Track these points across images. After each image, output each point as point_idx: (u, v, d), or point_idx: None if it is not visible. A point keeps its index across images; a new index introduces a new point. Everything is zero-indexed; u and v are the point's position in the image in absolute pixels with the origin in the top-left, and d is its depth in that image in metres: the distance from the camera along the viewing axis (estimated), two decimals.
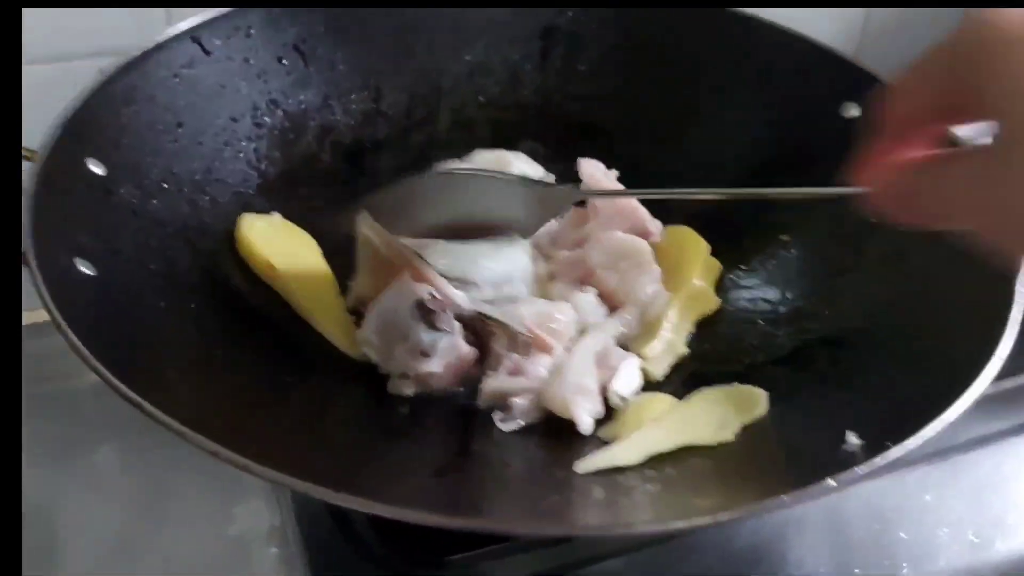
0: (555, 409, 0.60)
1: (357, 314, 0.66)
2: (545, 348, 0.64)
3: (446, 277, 0.66)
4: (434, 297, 0.61)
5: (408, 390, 0.62)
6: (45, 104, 0.60)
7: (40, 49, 0.79)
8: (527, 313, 0.64)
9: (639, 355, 0.65)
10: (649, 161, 0.76)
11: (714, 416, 0.58)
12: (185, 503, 0.65)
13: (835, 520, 0.64)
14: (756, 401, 0.58)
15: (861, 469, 0.44)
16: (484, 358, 0.64)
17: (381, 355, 0.62)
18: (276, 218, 0.69)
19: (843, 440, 0.49)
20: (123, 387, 0.44)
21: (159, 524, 0.64)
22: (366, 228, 0.65)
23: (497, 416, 0.61)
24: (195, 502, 0.65)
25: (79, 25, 0.80)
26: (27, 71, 0.78)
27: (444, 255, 0.67)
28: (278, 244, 0.67)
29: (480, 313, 0.63)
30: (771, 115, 0.75)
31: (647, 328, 0.68)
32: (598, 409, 0.61)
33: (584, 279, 0.69)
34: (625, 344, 0.67)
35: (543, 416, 0.61)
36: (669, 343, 0.67)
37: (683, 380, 0.65)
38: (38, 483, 0.64)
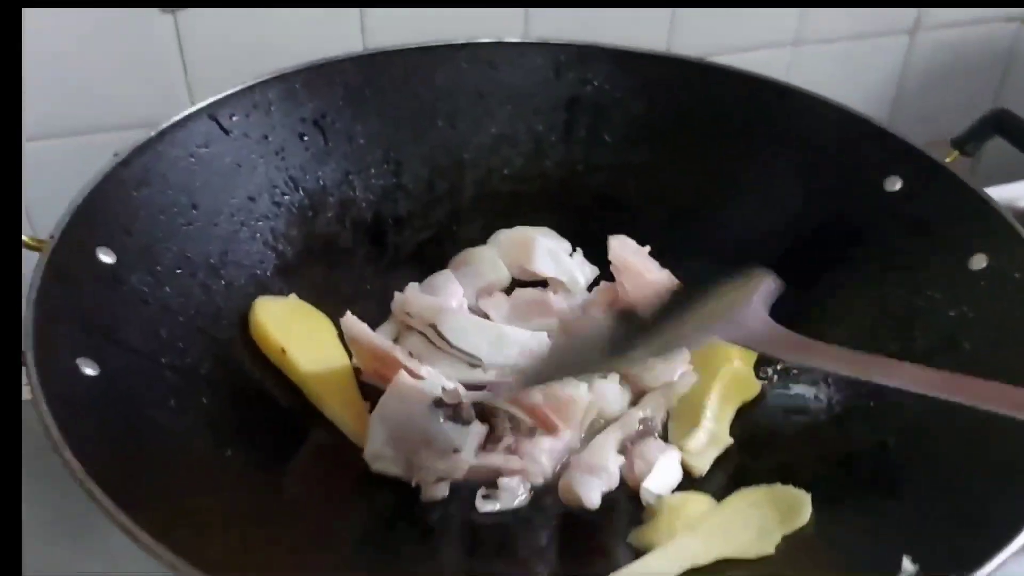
0: (565, 497, 0.57)
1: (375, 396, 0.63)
2: (551, 429, 0.61)
3: (457, 351, 0.63)
4: (446, 388, 0.58)
5: (444, 491, 0.59)
6: (56, 182, 0.58)
7: (52, 122, 0.78)
8: (537, 391, 0.61)
9: (680, 447, 0.62)
10: (678, 236, 0.73)
11: (754, 524, 0.54)
12: None
13: None
14: (799, 506, 0.54)
15: None
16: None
17: (402, 466, 0.59)
18: (292, 300, 0.67)
19: (898, 566, 0.45)
20: (129, 523, 0.41)
21: None
22: (351, 330, 0.62)
23: (481, 493, 0.58)
24: None
25: (93, 97, 0.79)
26: (36, 146, 0.77)
27: (462, 329, 0.65)
28: (293, 328, 0.64)
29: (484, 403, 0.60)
30: (808, 188, 0.72)
31: (686, 417, 0.64)
32: (612, 483, 0.58)
33: None
34: (664, 437, 0.63)
35: (532, 504, 0.58)
36: (712, 434, 0.63)
37: (725, 475, 0.61)
38: (45, 562, 0.61)
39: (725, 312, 0.53)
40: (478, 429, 0.60)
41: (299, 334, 0.64)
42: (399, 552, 0.56)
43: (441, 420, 0.58)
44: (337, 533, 0.56)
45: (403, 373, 0.59)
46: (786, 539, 0.53)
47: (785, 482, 0.57)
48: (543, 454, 0.60)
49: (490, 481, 0.59)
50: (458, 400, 0.59)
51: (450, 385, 0.60)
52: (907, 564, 0.45)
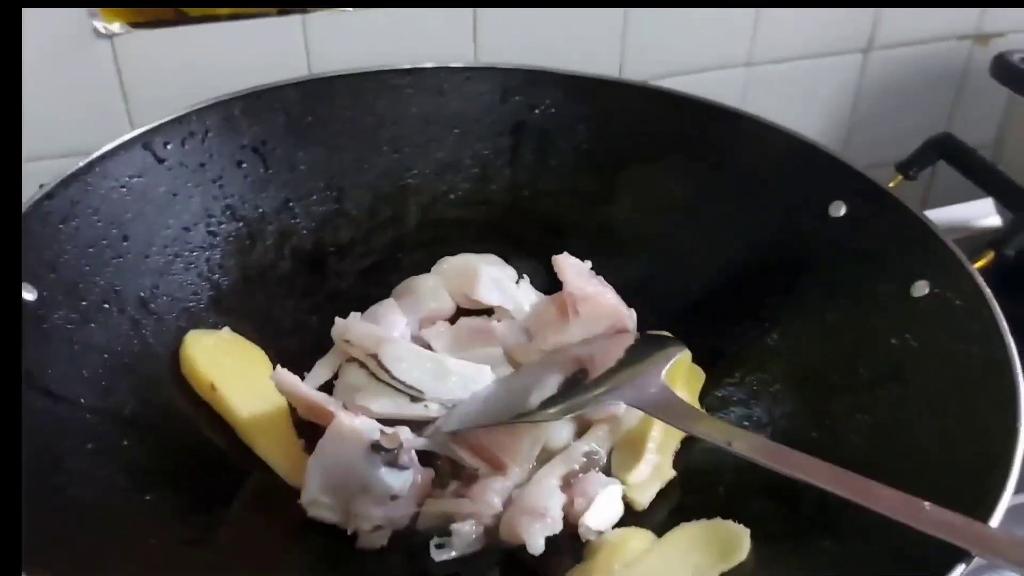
0: (507, 538, 0.56)
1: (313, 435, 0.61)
2: (499, 467, 0.59)
3: (398, 383, 0.62)
4: (385, 432, 0.56)
5: (383, 540, 0.57)
6: None
7: None
8: (481, 433, 0.60)
9: (623, 480, 0.61)
10: (621, 261, 0.72)
11: (691, 562, 0.53)
12: None
13: None
14: (737, 543, 0.53)
15: None
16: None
17: (339, 514, 0.57)
18: (226, 333, 0.65)
19: None
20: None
21: None
22: (282, 384, 0.60)
23: (434, 542, 0.56)
24: None
25: (28, 124, 0.77)
26: None
27: (404, 360, 0.63)
28: (226, 363, 0.63)
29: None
30: (756, 214, 0.71)
31: (629, 450, 0.63)
32: (555, 527, 0.56)
33: None
34: (607, 469, 0.62)
35: (488, 547, 0.57)
36: (655, 466, 0.62)
37: (667, 510, 0.60)
38: None
39: (630, 379, 0.61)
40: (424, 475, 0.58)
41: (232, 370, 0.62)
42: None
43: (379, 466, 0.56)
44: None
45: (340, 416, 0.57)
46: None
47: (727, 516, 0.56)
48: (494, 495, 0.58)
49: (440, 528, 0.57)
50: (396, 444, 0.57)
51: (389, 430, 0.58)
52: None
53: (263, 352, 0.66)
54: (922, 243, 0.62)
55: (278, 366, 0.60)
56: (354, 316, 0.69)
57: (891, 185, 0.68)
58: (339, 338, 0.66)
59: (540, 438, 0.62)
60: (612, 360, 0.64)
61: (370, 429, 0.56)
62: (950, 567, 0.43)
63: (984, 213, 0.92)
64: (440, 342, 0.70)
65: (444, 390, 0.63)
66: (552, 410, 0.60)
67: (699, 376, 0.68)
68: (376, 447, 0.55)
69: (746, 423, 0.64)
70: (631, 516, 0.59)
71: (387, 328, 0.68)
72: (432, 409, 0.62)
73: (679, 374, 0.66)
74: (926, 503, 0.45)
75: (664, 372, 0.61)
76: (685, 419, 0.58)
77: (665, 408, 0.58)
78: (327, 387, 0.65)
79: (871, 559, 0.48)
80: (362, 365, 0.66)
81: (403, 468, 0.56)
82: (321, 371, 0.67)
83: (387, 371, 0.64)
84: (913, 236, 0.63)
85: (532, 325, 0.70)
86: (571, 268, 0.68)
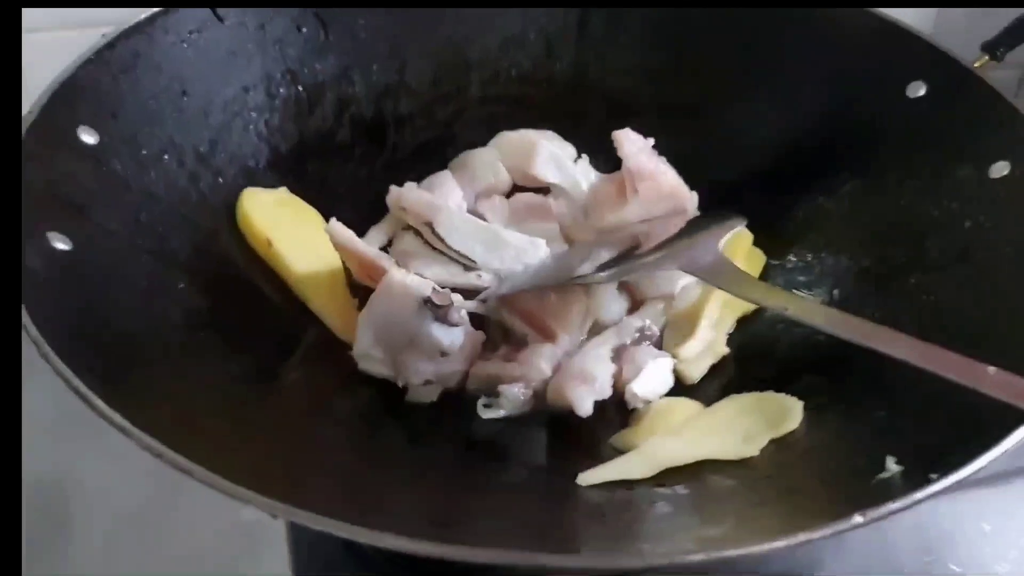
0: (555, 400, 0.55)
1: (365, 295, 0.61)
2: (548, 335, 0.59)
3: (451, 251, 0.62)
4: (437, 290, 0.56)
5: (433, 395, 0.57)
6: (51, 71, 0.57)
7: (48, 16, 0.76)
8: (534, 296, 0.59)
9: (674, 355, 0.60)
10: (691, 141, 0.70)
11: (741, 427, 0.52)
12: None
13: (880, 549, 0.57)
14: (789, 412, 0.52)
15: (896, 504, 0.38)
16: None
17: (390, 367, 0.57)
18: (282, 193, 0.65)
19: (882, 466, 0.43)
20: (91, 395, 0.40)
21: (174, 498, 0.60)
22: (336, 236, 0.60)
23: (481, 402, 0.57)
24: None
25: None
26: (35, 38, 0.75)
27: (458, 229, 0.63)
28: (281, 220, 0.63)
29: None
30: (831, 92, 0.68)
31: (683, 326, 0.62)
32: (604, 392, 0.56)
33: None
34: (659, 345, 0.61)
35: (536, 410, 0.56)
36: (708, 343, 0.61)
37: (719, 385, 0.59)
38: (49, 455, 0.61)
39: (686, 248, 0.60)
40: (473, 334, 0.58)
41: (288, 227, 0.63)
42: (385, 449, 0.55)
43: (430, 321, 0.56)
44: (322, 428, 0.55)
45: (392, 272, 0.57)
46: (772, 442, 0.50)
47: (779, 391, 0.54)
48: (542, 360, 0.58)
49: (489, 390, 0.57)
50: (448, 302, 0.56)
51: (442, 289, 0.58)
52: (890, 464, 0.43)
53: (318, 213, 0.65)
54: (1005, 122, 0.59)
55: (333, 219, 0.59)
56: (410, 185, 0.68)
57: (976, 65, 0.65)
58: (395, 205, 0.66)
59: (591, 309, 0.61)
60: (668, 234, 0.62)
61: (422, 285, 0.56)
62: (1009, 431, 0.41)
63: None
64: (495, 215, 0.69)
65: (497, 260, 0.63)
66: (604, 274, 0.59)
67: (759, 258, 0.66)
68: (427, 303, 0.55)
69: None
70: (682, 390, 0.59)
71: (442, 198, 0.68)
72: (484, 279, 0.62)
73: (739, 254, 0.65)
74: (990, 368, 0.43)
75: (722, 242, 0.59)
76: (741, 285, 0.56)
77: (720, 274, 0.56)
78: None
79: (925, 427, 0.46)
80: (417, 234, 0.65)
81: (453, 325, 0.56)
82: (375, 236, 0.67)
83: (441, 239, 0.63)
84: (996, 116, 0.60)
85: (589, 203, 0.69)
86: (632, 143, 0.66)
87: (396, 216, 0.67)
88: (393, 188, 0.66)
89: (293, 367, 0.58)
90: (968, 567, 0.57)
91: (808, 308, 0.54)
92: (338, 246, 0.60)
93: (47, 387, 0.48)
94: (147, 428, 0.39)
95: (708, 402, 0.56)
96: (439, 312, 0.56)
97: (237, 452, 0.45)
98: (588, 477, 0.49)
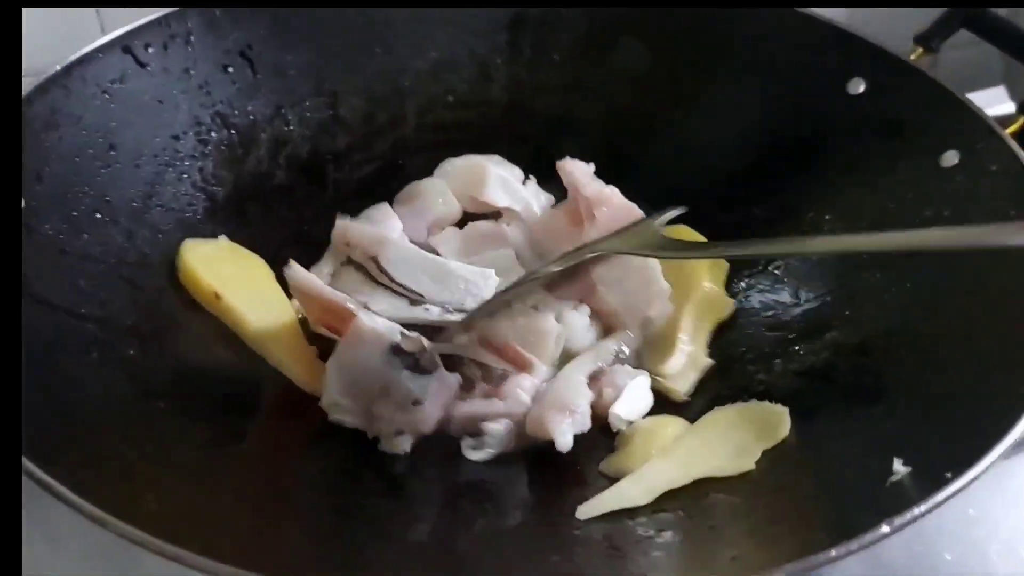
0: (534, 433, 0.53)
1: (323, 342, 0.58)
2: (524, 366, 0.57)
3: (398, 286, 0.60)
4: (406, 335, 0.53)
5: (406, 445, 0.54)
6: None
7: None
8: (503, 327, 0.58)
9: (657, 374, 0.59)
10: (634, 153, 0.70)
11: (731, 441, 0.51)
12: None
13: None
14: (777, 421, 0.51)
15: (920, 508, 0.37)
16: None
17: (360, 418, 0.54)
18: (223, 242, 0.62)
19: (888, 469, 0.42)
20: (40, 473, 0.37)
21: None
22: (297, 281, 0.57)
23: (467, 444, 0.54)
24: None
25: None
26: None
27: (405, 262, 0.61)
28: (225, 270, 0.60)
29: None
30: (769, 96, 0.68)
31: (661, 343, 0.61)
32: (584, 424, 0.54)
33: (583, 296, 0.61)
34: (638, 363, 0.60)
35: (520, 445, 0.54)
36: (691, 356, 0.60)
37: (701, 399, 0.58)
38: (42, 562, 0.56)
39: (629, 233, 0.60)
40: (447, 379, 0.56)
41: (233, 278, 0.60)
42: (366, 503, 0.52)
43: (400, 369, 0.53)
44: (296, 489, 0.52)
45: (360, 318, 0.54)
46: (767, 454, 0.49)
47: (762, 399, 0.54)
48: (523, 392, 0.56)
49: (472, 430, 0.55)
50: (418, 348, 0.54)
51: (411, 334, 0.55)
52: (898, 466, 0.42)
53: (262, 260, 0.62)
54: (950, 113, 0.60)
55: (292, 262, 0.57)
56: (343, 219, 0.66)
57: (912, 58, 0.65)
58: (339, 239, 0.63)
59: (562, 336, 0.60)
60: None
61: (391, 331, 0.53)
62: (1014, 420, 0.41)
63: (995, 100, 0.89)
64: (448, 247, 0.67)
65: (447, 293, 0.61)
66: (555, 266, 0.59)
67: (722, 266, 0.65)
68: (397, 350, 0.53)
69: (773, 309, 0.62)
70: (671, 407, 0.57)
71: (385, 230, 0.65)
72: (432, 312, 0.60)
73: (703, 267, 0.64)
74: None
75: (661, 222, 0.60)
76: (690, 250, 0.59)
77: (666, 246, 0.58)
78: None
79: (925, 424, 0.46)
80: (358, 268, 0.63)
81: (425, 372, 0.53)
82: (317, 274, 0.64)
83: (387, 274, 0.61)
84: (939, 107, 0.61)
85: (543, 238, 0.67)
86: (580, 171, 0.65)
87: (338, 250, 0.64)
88: (339, 222, 0.63)
89: (258, 426, 0.54)
90: (959, 554, 0.57)
91: (760, 246, 0.58)
92: (299, 291, 0.57)
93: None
94: (104, 504, 0.36)
95: (692, 417, 0.55)
96: (409, 360, 0.53)
97: (203, 522, 0.42)
98: (587, 510, 0.48)
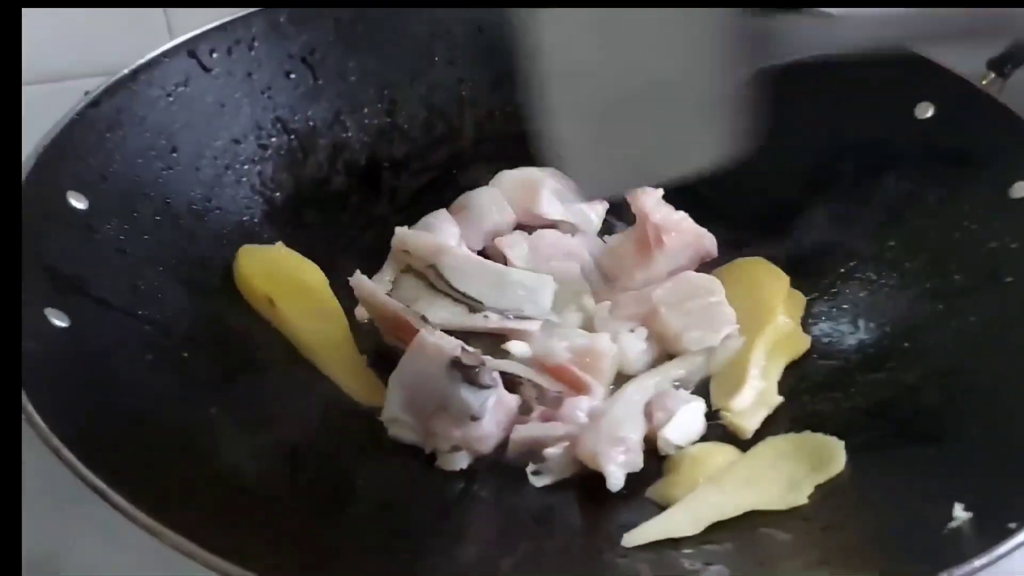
0: (585, 461, 0.53)
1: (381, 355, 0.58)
2: (581, 388, 0.56)
3: (457, 292, 0.60)
4: (466, 350, 0.53)
5: (463, 463, 0.54)
6: (33, 129, 0.54)
7: (31, 68, 0.73)
8: (560, 349, 0.57)
9: (724, 408, 0.57)
10: (703, 181, 0.68)
11: (783, 473, 0.50)
12: None
13: None
14: (832, 454, 0.50)
15: (980, 560, 0.36)
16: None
17: (419, 433, 0.54)
18: (280, 249, 0.63)
19: (948, 514, 0.41)
20: (98, 482, 0.37)
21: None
22: (362, 293, 0.57)
23: (530, 470, 0.54)
24: None
25: (75, 41, 0.74)
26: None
27: (463, 269, 0.61)
28: (280, 278, 0.60)
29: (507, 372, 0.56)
30: (837, 120, 0.66)
31: (731, 376, 0.59)
32: (636, 463, 0.53)
33: (645, 319, 0.60)
34: (705, 394, 0.59)
35: (577, 471, 0.53)
36: (760, 392, 0.57)
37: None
38: (43, 530, 0.57)
39: None
40: (507, 399, 0.55)
41: (288, 284, 0.60)
42: (417, 520, 0.51)
43: (459, 383, 0.53)
44: (345, 500, 0.51)
45: (423, 333, 0.54)
46: (819, 489, 0.48)
47: (815, 431, 0.53)
48: (583, 415, 0.55)
49: (529, 456, 0.54)
50: (478, 362, 0.53)
51: (471, 349, 0.55)
52: (959, 511, 0.41)
53: (317, 267, 0.63)
54: (1021, 142, 0.58)
55: (358, 272, 0.57)
56: (402, 229, 0.66)
57: (983, 83, 0.64)
58: (398, 247, 0.63)
59: (617, 357, 0.59)
60: None
61: (452, 346, 0.53)
62: None
63: None
64: (516, 252, 0.66)
65: (505, 300, 0.60)
66: None
67: (800, 301, 0.63)
68: (456, 363, 0.53)
69: (830, 336, 0.60)
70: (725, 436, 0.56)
71: (443, 238, 0.65)
72: (492, 320, 0.59)
73: (779, 301, 0.62)
74: None
75: None
76: None
77: None
78: None
79: (987, 467, 0.45)
80: (418, 276, 0.63)
81: (484, 387, 0.53)
82: (378, 283, 0.64)
83: (446, 281, 0.61)
84: (1010, 135, 0.59)
85: (611, 266, 0.66)
86: (649, 197, 0.64)
87: (398, 259, 0.64)
88: (398, 230, 0.64)
89: (311, 438, 0.54)
90: None
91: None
92: (364, 300, 0.57)
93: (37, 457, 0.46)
94: (161, 517, 0.36)
95: (742, 445, 0.54)
96: (468, 373, 0.53)
97: (255, 537, 0.42)
98: (634, 537, 0.47)
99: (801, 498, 0.48)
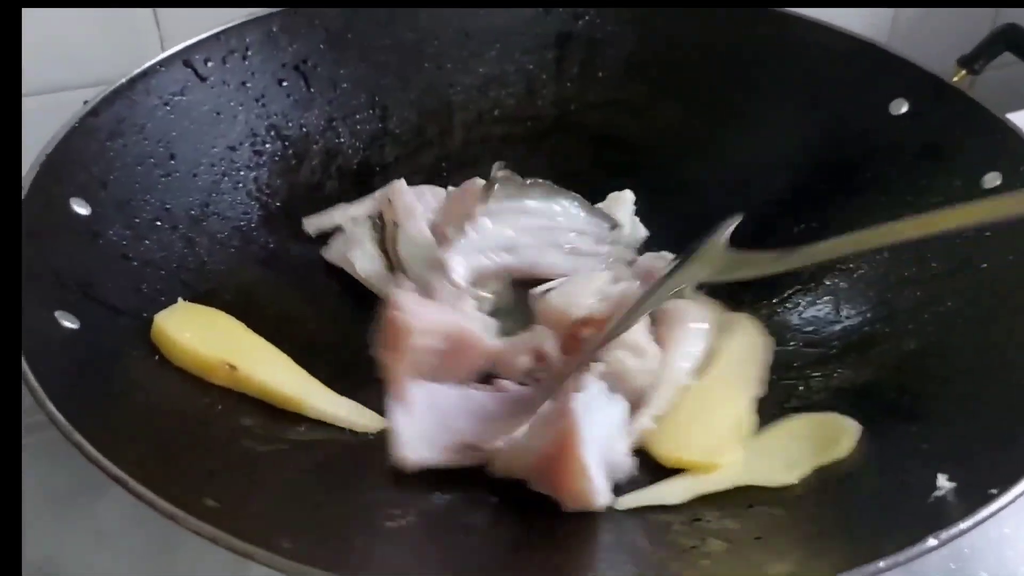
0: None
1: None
2: None
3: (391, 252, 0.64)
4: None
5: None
6: (32, 139, 0.55)
7: (28, 80, 0.74)
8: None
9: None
10: (677, 171, 0.71)
11: (785, 453, 0.51)
12: (192, 558, 0.59)
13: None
14: (840, 436, 0.51)
15: (966, 523, 0.38)
16: None
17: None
18: (193, 306, 0.57)
19: (932, 484, 0.43)
20: (109, 465, 0.39)
21: None
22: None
23: None
24: (203, 557, 0.59)
25: (70, 52, 0.76)
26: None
27: (412, 241, 0.64)
28: (216, 339, 0.54)
29: None
30: (811, 116, 0.69)
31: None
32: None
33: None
34: None
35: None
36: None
37: None
38: (39, 537, 0.58)
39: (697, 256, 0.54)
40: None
41: (232, 341, 0.55)
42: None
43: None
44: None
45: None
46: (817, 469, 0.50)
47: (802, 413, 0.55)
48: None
49: None
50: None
51: None
52: (943, 481, 0.43)
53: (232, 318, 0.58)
54: (991, 134, 0.61)
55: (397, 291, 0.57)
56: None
57: (955, 80, 0.66)
58: (387, 194, 0.66)
59: None
60: None
61: None
62: None
63: None
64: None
65: (425, 277, 0.61)
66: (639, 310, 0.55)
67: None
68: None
69: (813, 325, 0.62)
70: None
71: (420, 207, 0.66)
72: (404, 285, 0.59)
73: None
74: None
75: (725, 238, 0.54)
76: (762, 265, 0.53)
77: (741, 264, 0.53)
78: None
79: (967, 438, 0.47)
80: (376, 228, 0.66)
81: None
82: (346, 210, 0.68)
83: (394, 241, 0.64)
84: (982, 128, 0.61)
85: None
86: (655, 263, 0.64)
87: (378, 200, 0.67)
88: (399, 181, 0.66)
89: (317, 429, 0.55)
90: (995, 572, 0.57)
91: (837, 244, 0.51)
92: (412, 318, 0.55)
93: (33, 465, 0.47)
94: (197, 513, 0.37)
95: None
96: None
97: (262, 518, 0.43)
98: (627, 501, 0.49)
99: (793, 478, 0.49)
